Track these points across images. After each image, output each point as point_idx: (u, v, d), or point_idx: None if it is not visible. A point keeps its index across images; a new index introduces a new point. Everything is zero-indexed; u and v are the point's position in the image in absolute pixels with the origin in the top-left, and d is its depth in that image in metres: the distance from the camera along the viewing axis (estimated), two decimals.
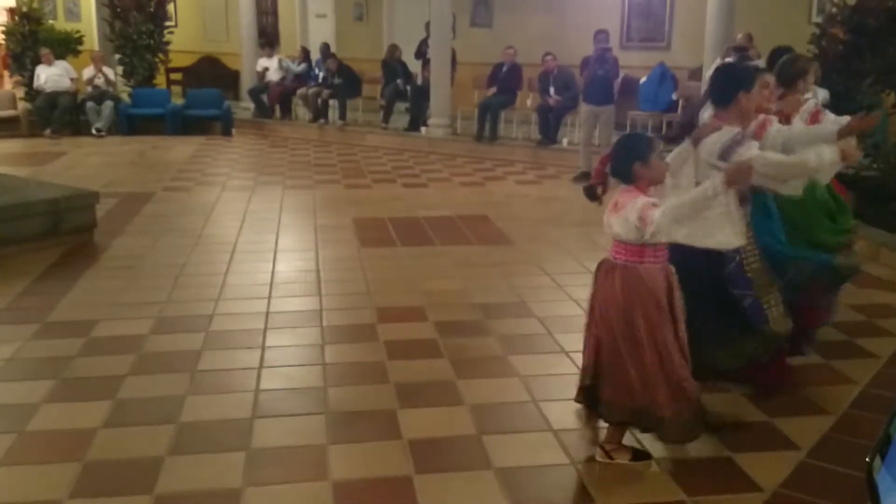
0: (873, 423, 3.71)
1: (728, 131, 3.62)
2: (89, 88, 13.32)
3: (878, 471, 1.69)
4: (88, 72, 13.48)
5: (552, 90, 11.03)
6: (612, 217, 3.24)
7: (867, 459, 1.72)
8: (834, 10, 8.17)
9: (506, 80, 11.70)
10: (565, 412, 3.87)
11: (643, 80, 11.68)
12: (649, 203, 3.14)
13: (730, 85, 3.74)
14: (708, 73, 7.51)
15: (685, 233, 3.10)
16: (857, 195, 6.65)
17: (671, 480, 3.29)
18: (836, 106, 7.67)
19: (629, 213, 3.15)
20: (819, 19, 9.23)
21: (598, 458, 3.44)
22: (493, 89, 11.84)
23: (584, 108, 10.06)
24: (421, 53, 13.19)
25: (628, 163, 3.22)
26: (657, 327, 3.24)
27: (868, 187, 7.13)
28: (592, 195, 3.39)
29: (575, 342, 4.72)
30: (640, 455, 3.46)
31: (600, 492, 3.21)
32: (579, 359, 4.42)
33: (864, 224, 6.78)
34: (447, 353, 4.56)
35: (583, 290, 5.66)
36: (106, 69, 13.59)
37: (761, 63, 9.19)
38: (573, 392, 4.02)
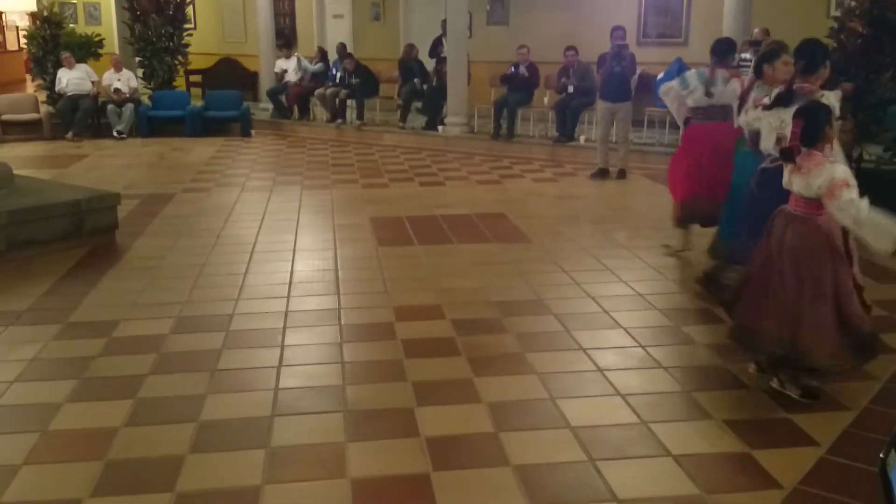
0: (894, 420, 3.69)
1: None
2: (114, 95, 13.41)
3: (892, 467, 1.68)
4: (109, 76, 13.59)
5: (570, 87, 10.99)
6: (795, 177, 3.78)
7: (881, 455, 1.72)
8: (853, 3, 8.08)
9: (523, 80, 11.67)
10: (583, 409, 3.87)
11: (660, 76, 11.61)
12: (844, 182, 3.59)
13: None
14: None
15: (864, 230, 3.61)
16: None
17: (689, 477, 3.28)
18: (855, 100, 7.63)
19: (815, 179, 3.65)
20: (838, 13, 9.14)
21: (774, 385, 3.98)
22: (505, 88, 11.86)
23: (600, 105, 10.02)
24: (434, 52, 13.19)
25: (821, 128, 3.75)
26: (836, 271, 3.76)
27: (889, 180, 7.06)
28: (790, 157, 3.81)
29: (593, 339, 4.74)
30: (810, 392, 3.88)
31: (618, 488, 3.21)
32: (597, 356, 4.47)
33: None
34: (465, 350, 4.57)
35: (600, 287, 5.67)
36: (128, 75, 13.70)
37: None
38: (591, 389, 4.06)
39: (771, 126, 4.56)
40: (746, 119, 5.04)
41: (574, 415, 3.80)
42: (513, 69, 11.66)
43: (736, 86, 5.90)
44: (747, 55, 9.32)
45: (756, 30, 9.45)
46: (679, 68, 11.56)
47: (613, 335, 4.83)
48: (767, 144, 4.62)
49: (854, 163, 6.74)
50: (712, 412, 3.81)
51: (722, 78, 6.06)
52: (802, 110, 3.86)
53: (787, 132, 4.02)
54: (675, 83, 6.25)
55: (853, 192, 3.58)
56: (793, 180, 3.81)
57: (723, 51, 6.18)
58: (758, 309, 3.92)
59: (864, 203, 3.56)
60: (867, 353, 3.87)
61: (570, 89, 10.99)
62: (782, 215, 3.90)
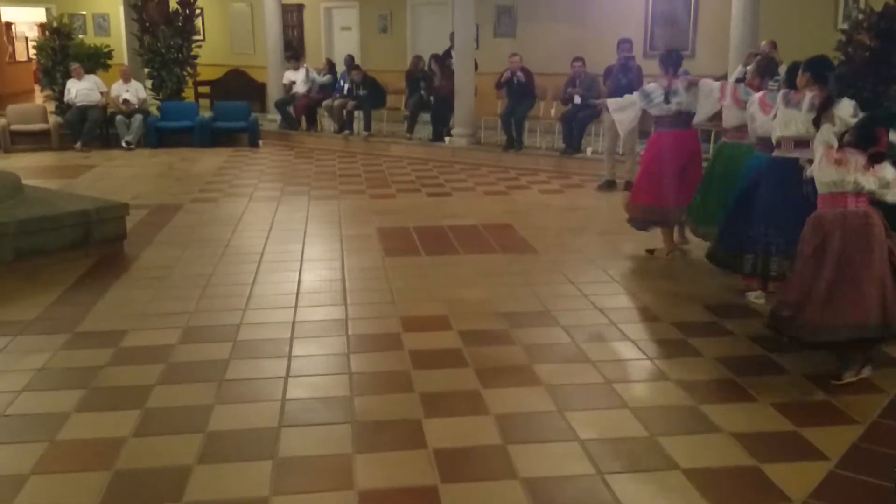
0: None
1: None
2: (122, 106, 13.47)
3: None
4: (117, 87, 13.67)
5: (577, 98, 10.97)
6: (865, 176, 4.18)
7: None
8: (860, 15, 8.10)
9: (520, 84, 11.57)
10: (591, 422, 3.86)
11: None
12: None
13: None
14: (732, 79, 7.52)
15: None
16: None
17: (698, 490, 3.27)
18: (863, 112, 7.61)
19: (888, 171, 4.19)
20: (845, 25, 9.16)
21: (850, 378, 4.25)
22: (504, 95, 11.86)
23: (607, 117, 9.98)
24: (439, 62, 13.15)
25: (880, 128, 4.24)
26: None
27: None
28: (881, 160, 4.21)
29: (600, 351, 4.73)
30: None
31: (627, 502, 3.19)
32: (605, 368, 4.46)
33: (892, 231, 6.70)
34: (472, 362, 4.56)
35: (607, 299, 5.67)
36: (137, 86, 13.77)
37: (782, 69, 9.15)
38: (600, 401, 4.06)
39: (826, 141, 4.45)
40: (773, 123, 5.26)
41: (582, 427, 3.79)
42: (510, 73, 11.58)
43: (692, 93, 6.38)
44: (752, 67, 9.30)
45: (763, 42, 9.44)
46: None
47: (621, 347, 4.82)
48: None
49: None
50: (721, 425, 3.79)
51: (682, 87, 6.46)
52: (880, 118, 4.41)
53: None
54: (636, 98, 6.65)
55: None
56: (860, 179, 4.19)
57: (675, 62, 6.63)
58: (839, 304, 4.17)
59: None
60: None
61: (577, 100, 10.98)
62: (841, 216, 4.26)
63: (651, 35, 12.76)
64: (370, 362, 4.64)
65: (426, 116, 13.26)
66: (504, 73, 11.69)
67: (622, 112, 6.82)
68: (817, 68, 5.02)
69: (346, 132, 13.69)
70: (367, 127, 13.51)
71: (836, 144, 4.29)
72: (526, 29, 13.92)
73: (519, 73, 11.50)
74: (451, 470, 3.42)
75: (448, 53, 12.95)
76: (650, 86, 6.69)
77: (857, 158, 4.20)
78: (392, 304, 5.61)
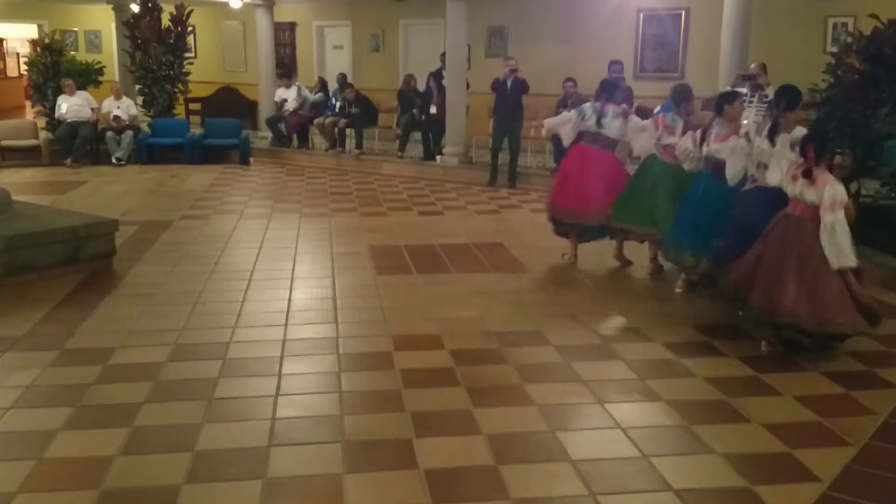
0: (895, 455, 3.67)
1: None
2: (113, 123, 13.45)
3: None
4: (108, 103, 13.65)
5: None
6: (807, 189, 4.76)
7: None
8: (849, 39, 8.16)
9: (515, 90, 11.31)
10: (583, 442, 3.85)
11: (657, 109, 11.67)
12: (843, 203, 4.64)
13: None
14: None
15: (832, 244, 4.64)
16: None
17: None
18: (853, 135, 7.68)
19: (825, 191, 4.66)
20: (834, 49, 9.24)
21: (764, 348, 4.98)
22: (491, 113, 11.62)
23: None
24: (437, 79, 13.11)
25: (827, 149, 4.90)
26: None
27: (886, 215, 7.09)
28: (810, 175, 4.78)
29: (592, 371, 4.72)
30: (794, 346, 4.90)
31: None
32: (597, 387, 4.45)
33: (882, 252, 6.74)
34: (464, 381, 4.54)
35: (599, 319, 5.66)
36: (128, 103, 13.76)
37: (771, 91, 9.24)
38: (592, 421, 4.06)
39: (784, 160, 5.20)
40: (709, 151, 5.93)
41: (574, 448, 3.77)
42: (508, 70, 11.25)
43: (619, 122, 7.00)
44: (743, 90, 9.37)
45: (753, 65, 9.51)
46: None
47: (613, 367, 4.81)
48: (775, 176, 5.22)
49: (852, 198, 6.77)
50: (713, 446, 3.78)
51: (612, 113, 7.04)
52: (811, 137, 4.99)
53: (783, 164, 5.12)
54: (573, 114, 7.28)
55: (841, 214, 4.63)
56: (804, 192, 4.79)
57: (610, 90, 7.24)
58: (774, 292, 4.81)
59: (846, 228, 4.63)
60: (875, 319, 4.81)
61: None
62: (787, 218, 4.91)
63: (641, 57, 12.87)
64: (361, 381, 4.61)
65: (417, 135, 13.29)
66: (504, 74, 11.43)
67: (562, 127, 7.42)
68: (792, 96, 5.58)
69: (338, 150, 13.70)
70: (359, 145, 13.53)
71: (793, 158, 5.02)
72: (517, 49, 13.97)
73: (517, 75, 11.30)
74: (443, 490, 3.39)
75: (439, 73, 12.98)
76: (586, 105, 7.29)
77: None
78: (383, 323, 5.59)
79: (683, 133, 6.33)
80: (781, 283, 4.78)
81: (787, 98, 5.51)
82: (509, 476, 3.51)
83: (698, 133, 6.07)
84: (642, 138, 6.89)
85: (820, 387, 4.49)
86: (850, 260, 4.68)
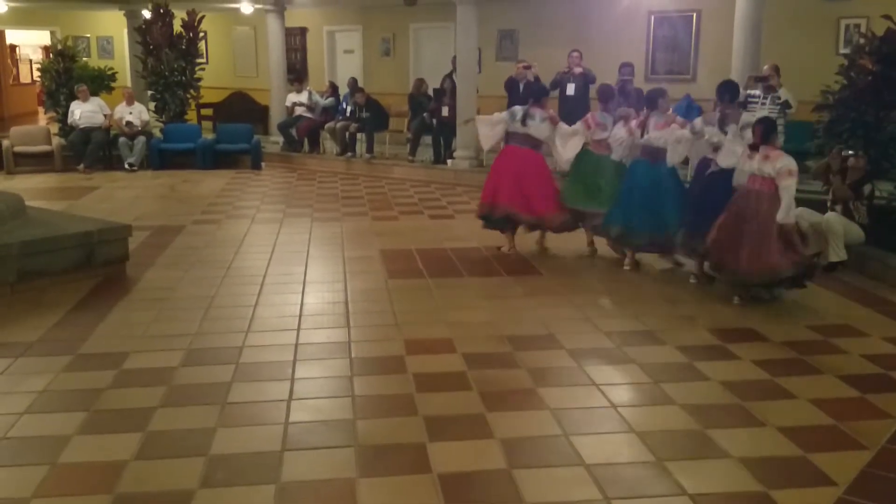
0: None
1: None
2: (125, 128, 13.51)
3: None
4: (120, 109, 13.72)
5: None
6: (764, 163, 5.81)
7: None
8: (862, 40, 8.12)
9: (525, 97, 11.39)
10: (597, 446, 3.83)
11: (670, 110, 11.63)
12: (794, 171, 5.72)
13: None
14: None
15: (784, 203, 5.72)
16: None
17: None
18: (866, 137, 7.63)
19: (777, 163, 5.73)
20: (847, 50, 9.19)
21: (736, 302, 6.03)
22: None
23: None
24: (448, 83, 13.13)
25: (773, 130, 5.98)
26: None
27: None
28: (757, 148, 5.89)
29: (605, 375, 4.70)
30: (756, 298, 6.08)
31: None
32: (610, 391, 4.44)
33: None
34: (476, 385, 4.53)
35: (612, 322, 5.64)
36: (140, 108, 13.83)
37: (783, 92, 9.18)
38: (605, 425, 4.03)
39: (735, 145, 6.21)
40: (647, 139, 6.84)
41: (588, 452, 3.75)
42: (523, 67, 11.44)
43: (546, 125, 7.46)
44: (756, 91, 9.34)
45: (765, 66, 9.48)
46: (688, 104, 11.62)
47: (626, 371, 4.79)
48: (728, 160, 6.19)
49: (865, 199, 6.73)
50: (728, 450, 3.76)
51: (540, 116, 7.49)
52: (761, 121, 6.06)
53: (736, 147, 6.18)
54: (505, 115, 7.69)
55: (794, 180, 5.70)
56: (762, 167, 5.82)
57: (538, 94, 7.81)
58: (736, 254, 5.85)
59: (793, 192, 5.70)
60: (811, 274, 6.00)
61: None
62: (746, 192, 5.95)
63: (653, 59, 12.84)
64: (373, 385, 4.61)
65: (428, 139, 13.30)
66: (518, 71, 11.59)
67: (491, 128, 7.78)
68: (733, 91, 6.61)
69: (349, 154, 13.73)
70: (370, 149, 13.55)
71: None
72: (528, 53, 13.96)
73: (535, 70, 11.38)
74: (456, 495, 3.39)
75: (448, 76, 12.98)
76: (515, 108, 7.76)
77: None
78: (395, 327, 5.59)
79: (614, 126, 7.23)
80: (741, 248, 5.81)
81: (730, 92, 6.50)
82: (523, 480, 3.50)
83: (634, 123, 6.99)
84: (574, 141, 7.48)
85: (835, 390, 4.46)
86: (791, 219, 5.77)
